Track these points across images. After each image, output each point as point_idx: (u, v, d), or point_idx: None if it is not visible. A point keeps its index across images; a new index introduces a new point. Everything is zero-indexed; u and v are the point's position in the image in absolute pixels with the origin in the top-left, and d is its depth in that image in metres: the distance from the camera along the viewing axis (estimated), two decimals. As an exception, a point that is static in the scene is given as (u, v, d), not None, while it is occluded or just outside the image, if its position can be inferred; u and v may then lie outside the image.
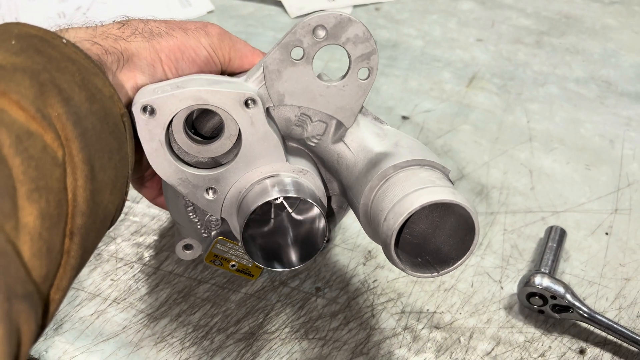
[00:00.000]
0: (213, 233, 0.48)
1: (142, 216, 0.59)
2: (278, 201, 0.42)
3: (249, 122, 0.40)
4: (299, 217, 0.46)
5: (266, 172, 0.42)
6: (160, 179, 0.43)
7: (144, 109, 0.38)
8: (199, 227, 0.47)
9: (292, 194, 0.41)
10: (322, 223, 0.43)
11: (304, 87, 0.41)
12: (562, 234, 0.58)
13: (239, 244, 0.46)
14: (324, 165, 0.46)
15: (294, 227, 0.46)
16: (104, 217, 0.35)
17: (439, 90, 0.78)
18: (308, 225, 0.45)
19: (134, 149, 0.39)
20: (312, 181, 0.43)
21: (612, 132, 0.73)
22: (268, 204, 0.41)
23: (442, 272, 0.39)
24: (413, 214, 0.36)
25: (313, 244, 0.44)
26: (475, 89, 0.78)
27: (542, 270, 0.54)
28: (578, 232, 0.61)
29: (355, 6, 0.92)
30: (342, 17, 0.38)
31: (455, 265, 0.39)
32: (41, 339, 0.48)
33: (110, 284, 0.53)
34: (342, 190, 0.46)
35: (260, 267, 0.50)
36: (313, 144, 0.44)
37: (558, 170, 0.67)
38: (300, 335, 0.51)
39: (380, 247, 0.39)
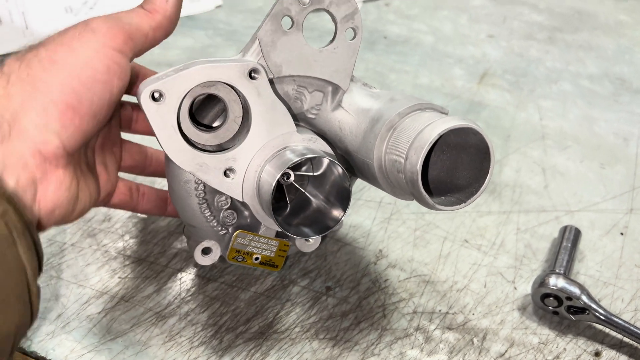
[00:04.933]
0: (230, 229, 0.47)
1: (150, 213, 0.58)
2: (291, 180, 0.43)
3: (255, 93, 0.40)
4: (317, 189, 0.46)
5: (279, 146, 0.43)
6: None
7: (152, 95, 0.38)
8: (215, 225, 0.46)
9: (309, 155, 0.41)
10: (341, 173, 0.43)
11: (298, 54, 0.42)
12: (577, 233, 0.57)
13: (260, 230, 0.46)
14: (326, 138, 0.46)
15: (318, 192, 0.46)
16: None
17: (450, 87, 0.76)
18: (330, 188, 0.45)
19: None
20: (322, 147, 0.44)
21: (626, 130, 0.71)
22: (282, 183, 0.43)
23: (469, 201, 0.40)
24: (427, 157, 0.38)
25: (342, 198, 0.44)
26: (487, 86, 0.77)
27: (557, 270, 0.53)
28: (593, 232, 0.60)
29: (365, 1, 0.91)
30: None
31: (479, 192, 0.40)
32: (48, 337, 0.48)
33: (118, 282, 0.53)
34: (346, 162, 0.47)
35: (282, 257, 0.49)
36: (313, 116, 0.45)
37: (572, 168, 0.66)
38: (310, 335, 0.50)
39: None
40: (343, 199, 0.43)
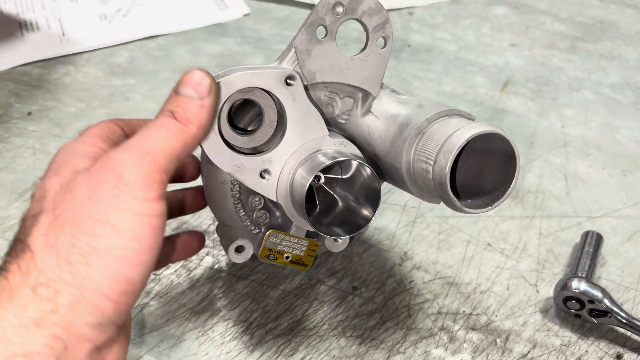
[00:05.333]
0: (263, 228, 0.49)
1: (182, 213, 0.61)
2: (321, 182, 0.44)
3: (291, 98, 0.42)
4: (346, 191, 0.48)
5: (311, 149, 0.44)
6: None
7: None
8: (248, 224, 0.48)
9: (340, 158, 0.43)
10: (370, 174, 0.45)
11: (332, 62, 0.44)
12: (599, 239, 0.58)
13: (291, 230, 0.48)
14: (356, 142, 0.48)
15: (347, 194, 0.48)
16: None
17: (473, 94, 0.78)
18: (360, 189, 0.47)
19: None
20: (352, 151, 0.46)
21: (648, 139, 0.72)
22: (312, 185, 0.44)
23: (495, 204, 0.41)
24: (454, 161, 0.39)
25: (372, 198, 0.45)
26: (509, 94, 0.78)
27: (579, 274, 0.54)
28: (614, 237, 0.61)
29: (388, 10, 0.93)
30: None
31: (505, 195, 0.41)
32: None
33: (152, 279, 0.55)
34: (376, 163, 0.48)
35: (312, 256, 0.51)
36: (344, 121, 0.47)
37: (594, 175, 0.67)
38: (337, 333, 0.51)
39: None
40: (373, 199, 0.45)
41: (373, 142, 0.47)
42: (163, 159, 0.33)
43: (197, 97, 0.36)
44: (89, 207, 0.31)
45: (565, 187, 0.66)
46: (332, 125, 0.48)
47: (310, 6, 0.93)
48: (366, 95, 0.47)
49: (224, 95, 0.41)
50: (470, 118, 0.45)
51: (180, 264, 0.56)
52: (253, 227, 0.49)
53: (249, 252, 0.49)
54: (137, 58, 0.81)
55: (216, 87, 0.38)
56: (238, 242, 0.49)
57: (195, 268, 0.56)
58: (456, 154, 0.40)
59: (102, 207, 0.31)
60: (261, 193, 0.45)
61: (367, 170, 0.45)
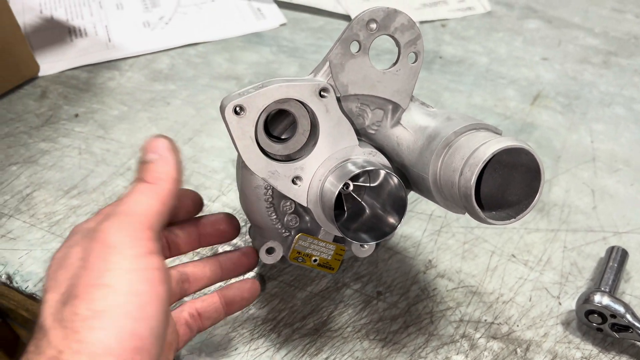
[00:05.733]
0: (293, 232, 0.51)
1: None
2: (350, 189, 0.46)
3: (324, 109, 0.45)
4: (375, 194, 0.50)
5: (342, 157, 0.47)
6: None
7: (235, 109, 0.43)
8: (279, 227, 0.51)
9: (369, 168, 0.45)
10: (397, 183, 0.46)
11: (364, 75, 0.46)
12: (624, 254, 0.58)
13: (320, 234, 0.51)
14: (384, 152, 0.50)
15: (374, 202, 0.50)
16: None
17: (503, 107, 0.79)
18: (387, 198, 0.49)
19: None
20: (381, 160, 0.48)
21: (680, 156, 0.72)
22: (347, 187, 0.46)
23: (519, 217, 0.43)
24: (480, 174, 0.40)
25: (398, 207, 0.47)
26: (540, 107, 0.79)
27: (602, 288, 0.54)
28: (640, 254, 0.61)
29: (421, 22, 0.95)
30: (390, 10, 0.45)
31: (529, 208, 0.42)
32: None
33: (188, 275, 0.58)
34: (404, 173, 0.50)
35: (339, 260, 0.53)
36: (373, 132, 0.49)
37: (622, 191, 0.68)
38: (361, 335, 0.53)
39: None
40: (399, 207, 0.47)
41: (401, 153, 0.49)
42: (144, 218, 0.36)
43: (160, 158, 0.38)
44: (84, 277, 0.33)
45: (592, 201, 0.66)
46: (362, 135, 0.50)
47: (345, 17, 0.96)
48: (396, 107, 0.49)
49: (261, 105, 0.44)
50: (497, 132, 0.47)
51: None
52: (284, 230, 0.51)
53: (279, 253, 0.52)
54: (177, 64, 0.85)
55: (174, 145, 0.40)
56: (269, 244, 0.51)
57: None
58: (481, 167, 0.41)
59: (95, 272, 0.33)
60: (292, 198, 0.47)
61: (395, 180, 0.47)
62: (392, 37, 0.47)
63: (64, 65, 0.84)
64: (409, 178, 0.51)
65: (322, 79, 0.46)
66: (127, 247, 0.34)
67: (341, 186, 0.45)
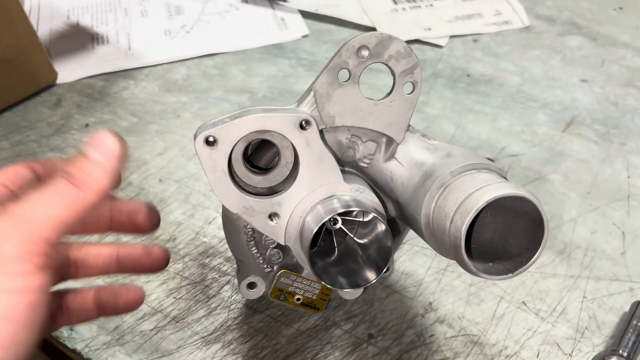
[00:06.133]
0: (275, 267, 0.48)
1: (211, 237, 0.61)
2: (333, 226, 0.42)
3: (305, 143, 0.41)
4: (361, 239, 0.46)
5: (324, 194, 0.43)
6: None
7: (206, 140, 0.40)
8: (261, 262, 0.48)
9: (353, 208, 0.41)
10: (384, 231, 0.43)
11: (353, 106, 0.43)
12: (651, 312, 0.52)
13: (304, 272, 0.47)
14: (378, 186, 0.46)
15: (359, 249, 0.46)
16: None
17: (531, 133, 0.73)
18: (372, 243, 0.45)
19: None
20: (369, 198, 0.44)
21: None
22: (329, 228, 0.43)
23: (517, 272, 0.38)
24: (478, 220, 0.37)
25: (381, 260, 0.43)
26: (572, 135, 0.72)
27: (621, 352, 0.48)
28: (672, 311, 0.54)
29: (452, 36, 0.89)
30: (383, 36, 0.41)
31: (529, 264, 0.38)
32: (104, 346, 0.52)
33: (172, 302, 0.56)
34: (398, 211, 0.46)
35: (325, 300, 0.50)
36: (365, 165, 0.45)
37: (657, 236, 0.61)
38: (345, 382, 0.50)
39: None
40: (381, 259, 0.43)
41: (395, 189, 0.45)
42: (46, 229, 0.30)
43: (103, 162, 0.33)
44: None
45: (622, 246, 0.60)
46: (354, 167, 0.47)
47: (371, 29, 0.92)
48: (390, 140, 0.45)
49: (235, 137, 0.41)
50: (501, 174, 0.42)
51: (201, 290, 0.57)
52: (265, 265, 0.48)
53: (260, 289, 0.49)
54: (193, 76, 0.83)
55: (125, 151, 0.34)
56: (250, 279, 0.49)
57: (214, 296, 0.56)
58: (473, 217, 0.37)
59: None
60: (268, 235, 0.44)
61: (381, 227, 0.43)
62: (387, 65, 0.43)
63: (82, 72, 0.84)
64: (404, 216, 0.46)
65: (305, 109, 0.43)
66: (13, 262, 0.29)
67: (320, 224, 0.42)
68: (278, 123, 0.41)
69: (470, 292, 0.56)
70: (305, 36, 0.91)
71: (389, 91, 0.43)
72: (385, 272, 0.55)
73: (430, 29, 0.90)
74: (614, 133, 0.73)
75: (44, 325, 0.30)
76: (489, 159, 0.69)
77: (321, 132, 0.44)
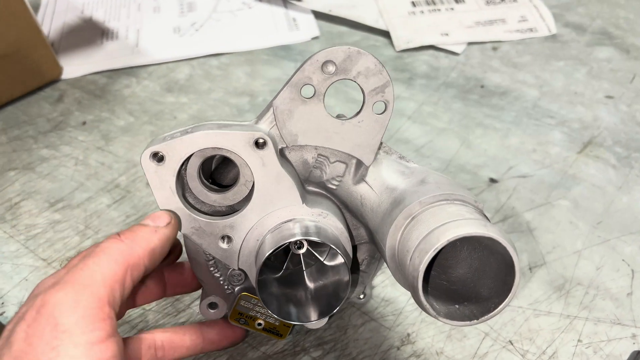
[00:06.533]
0: (237, 289, 0.46)
1: (189, 247, 0.59)
2: (298, 250, 0.39)
3: (260, 163, 0.38)
4: (319, 269, 0.43)
5: (283, 217, 0.40)
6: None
7: (154, 155, 0.38)
8: (221, 282, 0.45)
9: (311, 237, 0.38)
10: (344, 271, 0.39)
11: (317, 125, 0.40)
12: (652, 364, 0.46)
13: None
14: (348, 209, 0.43)
15: (314, 278, 0.43)
16: None
17: (543, 153, 0.67)
18: (330, 275, 0.42)
19: None
20: (333, 224, 0.41)
21: None
22: (285, 253, 0.40)
23: (482, 319, 0.35)
24: (453, 253, 0.34)
25: (335, 297, 0.40)
26: (588, 157, 0.67)
27: (609, 409, 0.43)
28: (678, 364, 0.48)
29: (470, 43, 0.84)
30: (351, 50, 0.38)
31: (496, 311, 0.35)
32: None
33: (141, 313, 0.54)
34: (370, 236, 0.43)
35: (288, 327, 0.48)
36: (334, 187, 0.42)
37: (671, 276, 0.55)
38: (306, 415, 0.47)
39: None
40: (335, 295, 0.40)
41: (365, 214, 0.42)
42: (104, 290, 0.31)
43: (152, 224, 0.36)
44: (24, 348, 0.28)
45: (629, 285, 0.54)
46: (323, 188, 0.43)
47: (384, 33, 0.87)
48: (360, 162, 0.41)
49: (184, 154, 0.38)
50: (476, 206, 0.38)
51: (170, 303, 0.55)
52: (226, 286, 0.45)
53: (222, 310, 0.46)
54: (195, 76, 0.81)
55: (176, 223, 0.38)
56: (211, 299, 0.46)
57: (183, 310, 0.54)
58: (431, 256, 0.33)
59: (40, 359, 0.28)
60: (219, 259, 0.41)
61: (340, 260, 0.39)
62: (355, 82, 0.39)
63: (88, 68, 0.83)
64: (375, 244, 0.43)
65: (264, 126, 0.40)
66: (80, 332, 0.29)
67: (274, 249, 0.38)
68: (230, 140, 0.38)
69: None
70: (315, 38, 0.88)
71: (357, 110, 0.40)
72: (362, 298, 0.52)
73: (447, 34, 0.85)
74: (636, 157, 0.66)
75: None
76: (492, 179, 0.65)
77: (282, 150, 0.41)
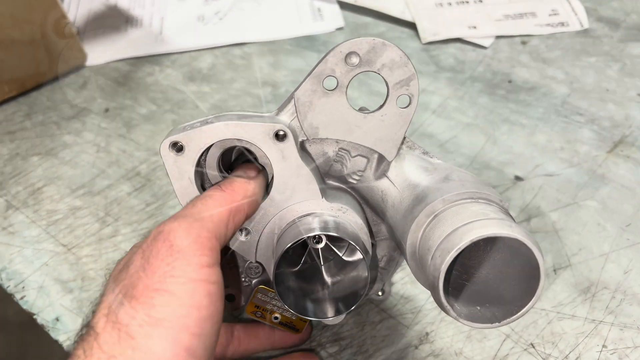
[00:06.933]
0: (254, 281, 0.45)
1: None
2: (316, 244, 0.39)
3: (280, 155, 0.38)
4: (338, 264, 0.42)
5: (302, 211, 0.40)
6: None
7: (173, 145, 0.37)
8: (239, 274, 0.45)
9: (330, 232, 0.37)
10: (362, 267, 0.39)
11: (339, 118, 0.39)
12: (680, 374, 0.45)
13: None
14: (369, 204, 0.43)
15: (332, 274, 0.42)
16: None
17: (571, 152, 0.65)
18: (348, 271, 0.41)
19: None
20: (352, 220, 0.40)
21: None
22: (303, 247, 0.40)
23: (504, 322, 0.34)
24: (476, 253, 0.33)
25: (353, 293, 0.39)
26: (618, 157, 0.65)
27: (634, 418, 0.42)
28: None
29: (498, 37, 0.82)
30: (376, 42, 0.37)
31: (518, 314, 0.34)
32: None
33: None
34: (391, 233, 0.42)
35: (305, 321, 0.47)
36: (355, 181, 0.42)
37: (703, 283, 0.53)
38: (321, 411, 0.46)
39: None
40: (353, 292, 0.39)
41: (386, 210, 0.41)
42: (211, 224, 0.34)
43: (244, 176, 0.38)
44: (144, 279, 0.31)
45: (658, 291, 0.52)
46: (343, 183, 0.43)
47: (410, 25, 0.86)
48: (382, 157, 0.40)
49: (203, 144, 0.38)
50: (501, 205, 0.37)
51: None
52: (244, 278, 0.45)
53: (239, 302, 0.46)
54: (218, 65, 0.81)
55: (265, 173, 0.40)
56: (228, 291, 0.46)
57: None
58: (454, 256, 0.32)
59: (158, 276, 0.30)
60: (237, 251, 0.41)
61: (358, 256, 0.39)
62: (379, 74, 0.38)
63: (112, 55, 0.83)
64: (395, 241, 0.42)
65: (285, 118, 0.39)
66: (193, 254, 0.32)
67: (293, 243, 0.38)
68: (250, 132, 0.37)
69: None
70: (339, 29, 0.86)
71: (381, 104, 0.39)
72: (381, 294, 0.51)
73: (475, 27, 0.83)
74: (669, 158, 0.64)
75: (219, 325, 0.32)
76: (517, 177, 0.63)
77: (302, 143, 0.40)
